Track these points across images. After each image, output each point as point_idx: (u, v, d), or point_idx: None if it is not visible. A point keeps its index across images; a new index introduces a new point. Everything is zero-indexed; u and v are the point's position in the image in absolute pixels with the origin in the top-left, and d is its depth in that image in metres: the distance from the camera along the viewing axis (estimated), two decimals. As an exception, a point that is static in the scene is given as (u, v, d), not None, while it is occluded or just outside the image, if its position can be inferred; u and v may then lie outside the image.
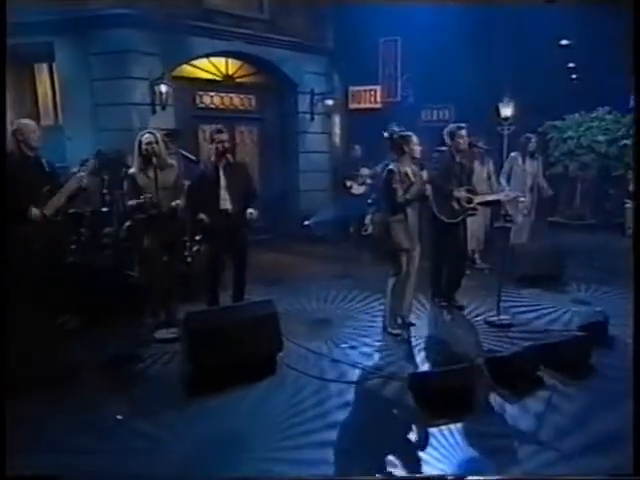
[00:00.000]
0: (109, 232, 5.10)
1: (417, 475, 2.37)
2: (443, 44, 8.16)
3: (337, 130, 9.50)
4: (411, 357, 3.73)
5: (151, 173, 3.96)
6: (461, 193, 4.26)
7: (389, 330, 4.10)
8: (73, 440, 2.68)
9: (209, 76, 7.80)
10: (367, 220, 7.29)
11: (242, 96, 8.21)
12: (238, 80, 8.16)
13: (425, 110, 10.00)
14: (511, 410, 2.94)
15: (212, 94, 7.85)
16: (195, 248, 5.41)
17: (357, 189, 7.47)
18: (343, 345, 3.93)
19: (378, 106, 9.77)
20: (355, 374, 3.45)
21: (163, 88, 6.74)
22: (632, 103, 7.71)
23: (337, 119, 9.46)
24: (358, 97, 9.90)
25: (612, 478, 2.31)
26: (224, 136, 4.18)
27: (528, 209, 6.22)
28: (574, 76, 9.47)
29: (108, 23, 6.43)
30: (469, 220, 4.66)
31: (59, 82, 6.99)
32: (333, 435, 2.73)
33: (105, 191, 5.20)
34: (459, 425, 2.77)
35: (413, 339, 4.02)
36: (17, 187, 3.55)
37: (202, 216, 4.04)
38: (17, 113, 7.12)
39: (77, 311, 4.23)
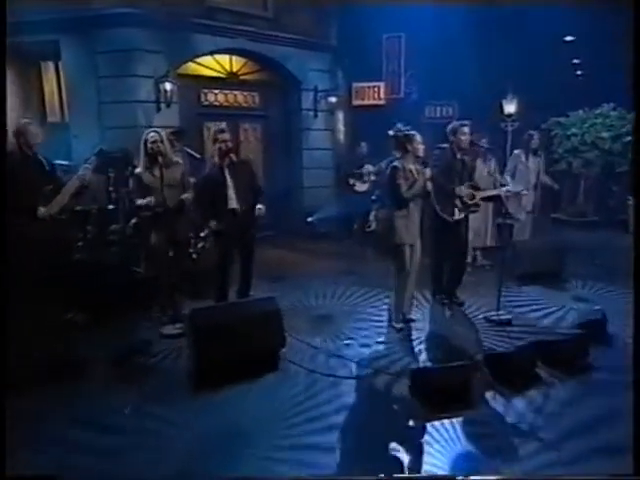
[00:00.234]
0: (115, 229, 5.17)
1: (417, 475, 2.40)
2: (447, 40, 8.16)
3: (341, 127, 9.52)
4: (411, 353, 3.78)
5: (157, 172, 4.02)
6: (463, 190, 4.30)
7: (393, 324, 4.18)
8: (77, 435, 2.74)
9: (213, 73, 7.84)
10: (371, 216, 7.35)
11: (246, 93, 8.25)
12: (242, 77, 8.20)
13: (429, 106, 10.02)
14: (508, 406, 2.99)
15: (216, 91, 7.89)
16: (200, 245, 5.48)
17: (360, 186, 7.52)
18: (345, 341, 4.00)
19: (382, 102, 9.78)
20: (356, 369, 3.51)
21: (168, 86, 6.79)
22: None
23: (341, 116, 9.48)
24: (362, 93, 9.92)
25: (612, 478, 2.32)
26: (227, 136, 4.23)
27: (531, 206, 6.24)
28: (579, 72, 9.44)
29: (113, 22, 6.49)
30: (471, 217, 4.71)
31: (65, 80, 7.05)
32: (334, 428, 2.80)
33: (111, 189, 5.28)
34: (458, 420, 2.83)
35: (414, 335, 4.08)
36: (19, 187, 3.62)
37: (213, 223, 4.11)
38: (24, 111, 7.23)
39: (84, 307, 4.31)
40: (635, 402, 2.10)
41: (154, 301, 4.48)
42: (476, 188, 4.38)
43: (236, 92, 8.12)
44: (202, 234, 5.46)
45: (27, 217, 3.74)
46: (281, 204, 8.08)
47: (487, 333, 4.08)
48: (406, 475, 2.42)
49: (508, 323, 4.19)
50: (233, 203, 4.15)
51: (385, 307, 4.57)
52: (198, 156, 5.50)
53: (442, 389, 2.98)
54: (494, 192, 4.49)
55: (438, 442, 2.67)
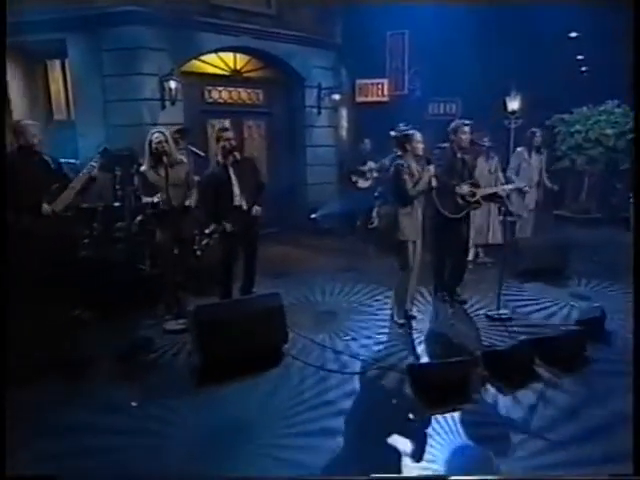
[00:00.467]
0: (121, 227, 5.25)
1: (417, 475, 2.44)
2: (450, 37, 8.15)
3: (344, 124, 9.56)
4: (412, 349, 3.84)
5: (161, 171, 4.09)
6: (464, 188, 4.35)
7: (396, 320, 4.25)
8: (77, 434, 2.77)
9: (217, 71, 7.88)
10: (374, 213, 7.39)
11: (250, 90, 8.28)
12: (246, 75, 8.23)
13: (432, 103, 10.02)
14: (506, 402, 3.05)
15: (220, 89, 7.93)
16: (205, 242, 5.56)
17: (363, 183, 7.56)
18: (347, 337, 4.06)
19: (385, 99, 9.80)
20: (357, 365, 3.58)
21: (172, 84, 6.84)
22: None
23: (344, 113, 9.51)
24: (365, 90, 9.94)
25: (612, 478, 2.33)
26: (230, 134, 4.29)
27: (534, 203, 6.27)
28: (583, 69, 9.41)
29: (118, 20, 6.54)
30: (473, 214, 4.75)
31: (71, 78, 7.12)
32: (336, 422, 2.87)
33: (117, 186, 5.34)
34: (456, 415, 2.89)
35: (414, 331, 4.14)
36: (23, 185, 3.70)
37: (226, 224, 4.18)
38: (30, 108, 7.32)
39: (90, 304, 4.38)
40: (635, 402, 2.10)
41: (159, 298, 4.56)
42: (477, 186, 4.42)
43: (240, 89, 8.16)
44: (207, 231, 5.54)
45: (33, 215, 3.82)
46: (285, 201, 8.15)
47: (487, 330, 4.13)
48: (400, 475, 2.44)
49: (508, 320, 4.24)
50: (238, 200, 4.23)
51: (387, 303, 4.62)
52: (202, 154, 5.57)
53: (441, 384, 3.05)
54: (494, 190, 4.52)
55: (437, 435, 2.73)
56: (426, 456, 2.57)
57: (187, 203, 4.17)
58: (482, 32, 8.22)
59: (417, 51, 9.53)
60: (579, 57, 9.26)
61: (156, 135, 4.15)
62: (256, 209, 4.30)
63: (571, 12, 8.00)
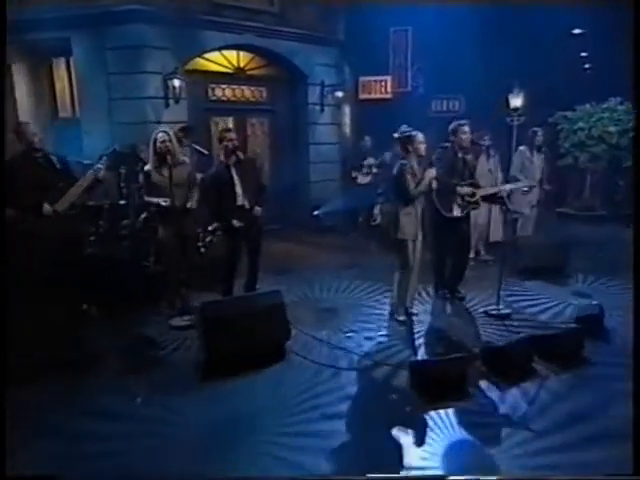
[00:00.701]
0: (126, 224, 5.32)
1: (417, 475, 2.47)
2: (454, 34, 8.16)
3: (347, 121, 9.59)
4: (412, 346, 3.90)
5: (165, 171, 4.16)
6: (464, 189, 4.38)
7: (396, 317, 4.30)
8: (78, 434, 2.79)
9: (221, 69, 7.92)
10: (376, 210, 7.44)
11: (253, 88, 8.32)
12: (249, 72, 8.27)
13: (435, 101, 10.03)
14: (503, 398, 3.10)
15: (224, 86, 7.98)
16: (208, 239, 5.63)
17: (362, 179, 7.59)
18: (348, 334, 4.12)
19: (388, 96, 9.82)
20: (358, 361, 3.64)
21: (176, 82, 6.89)
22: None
23: (347, 110, 9.54)
24: (368, 87, 9.96)
25: (612, 478, 2.35)
26: (233, 134, 4.36)
27: (535, 201, 6.29)
28: (587, 66, 9.39)
29: (122, 19, 6.58)
30: (475, 212, 4.78)
31: (76, 76, 7.18)
32: (337, 417, 2.93)
33: (122, 185, 5.41)
34: (454, 410, 2.95)
35: (415, 328, 4.19)
36: (25, 186, 3.76)
37: (234, 221, 4.25)
38: (36, 106, 7.39)
39: (97, 300, 4.47)
40: (635, 402, 2.10)
41: (163, 294, 4.62)
42: (476, 186, 4.46)
43: (243, 87, 8.21)
44: (210, 228, 5.61)
45: (38, 214, 3.87)
46: (288, 198, 8.21)
47: (486, 327, 4.18)
48: (397, 475, 2.48)
49: (508, 317, 4.29)
50: (241, 200, 4.29)
51: (388, 300, 4.67)
52: (206, 152, 5.61)
53: (440, 380, 3.11)
54: (494, 190, 4.55)
55: (436, 429, 2.79)
56: (425, 452, 2.62)
57: (189, 205, 4.24)
58: (485, 29, 8.22)
59: (420, 48, 9.54)
60: (583, 54, 9.23)
61: (160, 135, 4.21)
62: (257, 209, 4.36)
63: (574, 9, 7.98)
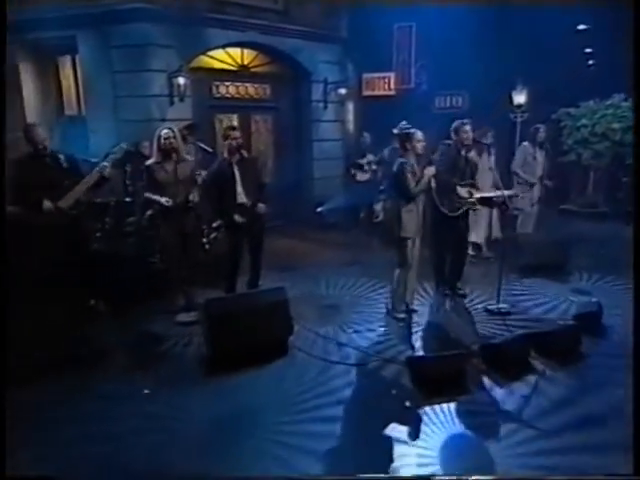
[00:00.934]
0: (132, 221, 5.40)
1: (416, 475, 2.51)
2: (457, 30, 8.15)
3: (351, 118, 9.61)
4: (412, 342, 3.97)
5: (168, 167, 4.22)
6: (463, 189, 4.42)
7: (394, 315, 4.36)
8: (79, 433, 2.82)
9: (225, 66, 7.97)
10: (378, 207, 7.48)
11: (257, 85, 8.36)
12: (253, 70, 8.31)
13: (439, 97, 10.03)
14: (502, 394, 3.17)
15: (228, 84, 8.02)
16: (213, 235, 5.70)
17: (361, 176, 7.62)
18: (350, 330, 4.19)
19: (392, 93, 9.83)
20: (359, 357, 3.72)
21: (181, 80, 6.94)
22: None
23: (351, 107, 9.56)
24: (372, 84, 9.96)
25: (612, 478, 2.38)
26: (237, 133, 4.41)
27: (536, 199, 6.32)
28: (591, 62, 9.36)
29: (127, 17, 6.64)
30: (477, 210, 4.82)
31: (82, 74, 7.25)
32: (338, 411, 3.01)
33: (128, 182, 5.49)
34: (452, 405, 3.02)
35: (415, 325, 4.26)
36: (33, 185, 3.85)
37: (236, 217, 4.30)
38: (43, 104, 7.48)
39: (103, 296, 4.54)
40: (635, 401, 2.11)
41: (167, 290, 4.70)
42: (476, 188, 4.50)
43: (247, 84, 8.25)
44: (214, 225, 5.68)
45: (43, 211, 3.95)
46: (291, 195, 8.27)
47: (486, 324, 4.24)
48: (389, 475, 2.51)
49: (507, 314, 4.34)
50: (242, 198, 4.35)
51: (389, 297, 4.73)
52: (210, 150, 5.68)
53: (439, 376, 3.17)
54: (491, 194, 4.59)
55: (433, 425, 2.86)
56: (423, 447, 2.68)
57: (191, 197, 4.27)
58: (489, 26, 8.21)
59: (424, 44, 9.52)
60: (587, 50, 9.19)
61: (165, 131, 4.26)
62: (260, 206, 4.41)
63: (578, 5, 7.96)
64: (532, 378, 3.30)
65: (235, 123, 7.83)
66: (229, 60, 8.00)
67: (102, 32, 6.81)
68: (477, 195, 4.45)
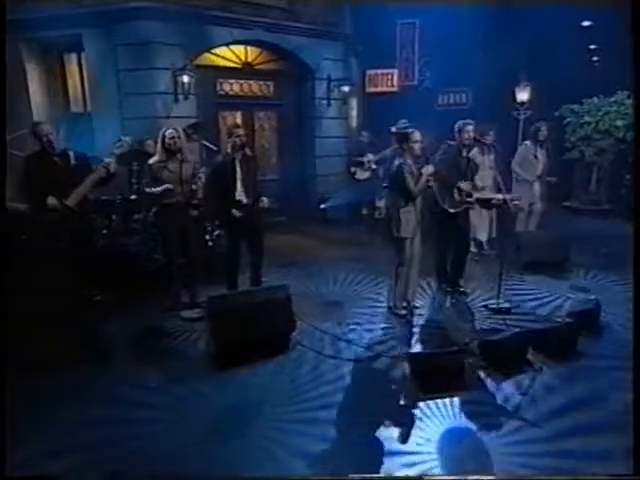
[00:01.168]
0: (137, 218, 5.48)
1: (416, 475, 2.53)
2: (461, 27, 8.15)
3: (354, 114, 9.64)
4: (413, 338, 4.04)
5: (172, 166, 4.29)
6: (463, 188, 4.47)
7: (395, 311, 4.42)
8: (79, 433, 2.84)
9: (229, 64, 8.02)
10: (381, 204, 7.52)
11: (261, 83, 8.42)
12: (257, 67, 8.36)
13: (442, 94, 10.05)
14: (500, 389, 3.22)
15: (232, 81, 8.08)
16: (216, 232, 5.77)
17: (361, 174, 7.65)
18: (351, 326, 4.26)
19: (395, 90, 9.86)
20: (360, 353, 3.78)
21: (185, 78, 7.00)
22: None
23: (354, 103, 9.59)
24: (375, 81, 9.99)
25: (612, 478, 2.38)
26: (241, 131, 4.46)
27: (537, 197, 6.34)
28: (595, 58, 9.32)
29: (132, 15, 6.70)
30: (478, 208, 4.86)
31: (87, 72, 7.33)
32: (339, 406, 3.09)
33: (134, 180, 5.56)
34: (451, 400, 3.09)
35: (416, 322, 4.32)
36: (42, 182, 3.93)
37: (235, 212, 4.36)
38: (49, 102, 7.56)
39: (109, 292, 4.62)
40: (635, 401, 2.13)
41: (171, 287, 4.77)
42: (475, 188, 4.55)
43: (251, 82, 8.30)
44: (218, 222, 5.75)
45: (52, 208, 4.03)
46: (295, 191, 8.34)
47: (485, 321, 4.29)
48: (380, 475, 2.54)
49: (507, 311, 4.40)
50: (240, 195, 4.41)
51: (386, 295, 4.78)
52: (215, 148, 5.73)
53: (438, 372, 3.24)
54: (490, 196, 4.63)
55: (431, 420, 2.93)
56: (420, 441, 2.75)
57: (194, 187, 4.32)
58: (493, 22, 8.20)
59: (427, 41, 9.54)
60: (591, 47, 9.16)
61: (170, 131, 4.32)
62: (264, 200, 4.48)
63: (582, 2, 7.93)
64: (529, 374, 3.35)
65: (239, 121, 7.89)
66: (233, 57, 8.05)
67: (108, 30, 6.88)
68: (476, 196, 4.49)
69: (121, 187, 5.47)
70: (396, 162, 4.19)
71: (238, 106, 8.23)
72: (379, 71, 9.91)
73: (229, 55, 7.98)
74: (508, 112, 8.62)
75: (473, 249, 5.79)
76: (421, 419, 2.94)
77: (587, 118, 8.79)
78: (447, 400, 3.10)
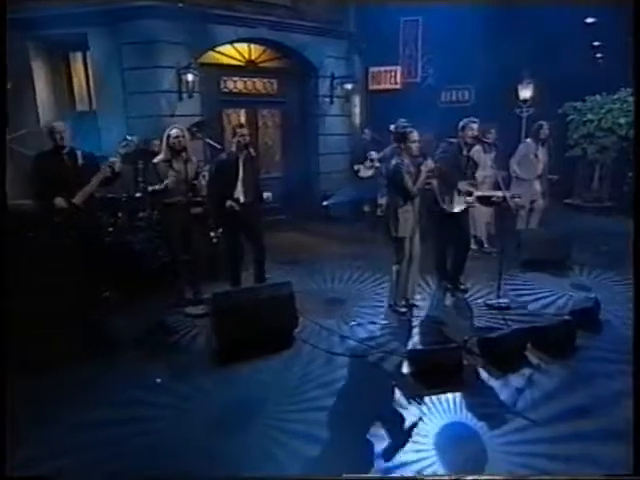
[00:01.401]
0: (143, 216, 5.56)
1: (416, 475, 2.55)
2: (464, 24, 8.16)
3: (357, 112, 9.67)
4: (413, 335, 4.10)
5: (177, 165, 4.36)
6: (463, 187, 4.51)
7: (396, 308, 4.48)
8: (79, 433, 2.85)
9: (233, 62, 8.07)
10: (384, 201, 7.55)
11: (265, 80, 8.47)
12: (261, 65, 8.40)
13: (445, 91, 10.05)
14: (499, 386, 3.28)
15: (236, 79, 8.13)
16: (220, 229, 5.84)
17: (364, 172, 7.69)
18: (353, 322, 4.33)
19: (398, 87, 9.87)
20: (361, 349, 3.85)
21: (190, 77, 7.05)
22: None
23: (357, 101, 9.62)
24: (378, 78, 9.99)
25: (612, 478, 2.38)
26: (245, 130, 4.53)
27: (538, 195, 6.38)
28: (598, 55, 9.30)
29: (137, 14, 6.75)
30: (478, 206, 4.90)
31: (93, 71, 7.39)
32: (340, 401, 3.16)
33: (139, 178, 5.64)
34: (450, 396, 3.16)
35: (415, 319, 4.38)
36: (51, 181, 4.02)
37: (229, 203, 4.42)
38: (55, 100, 7.63)
39: (115, 289, 4.70)
40: (635, 402, 2.13)
41: (175, 283, 4.85)
42: (475, 187, 4.59)
43: (255, 79, 8.35)
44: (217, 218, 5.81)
45: (61, 208, 4.11)
46: (298, 188, 8.40)
47: (485, 318, 4.34)
48: (374, 475, 2.56)
49: (507, 309, 4.45)
50: (238, 193, 4.47)
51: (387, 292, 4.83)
52: (219, 146, 5.81)
53: (437, 369, 3.31)
54: (490, 194, 4.66)
55: (431, 415, 3.00)
56: (420, 439, 2.81)
57: (195, 182, 4.38)
58: (496, 19, 8.20)
59: (430, 38, 9.53)
60: (595, 44, 9.13)
61: (174, 131, 4.39)
62: (266, 195, 4.53)
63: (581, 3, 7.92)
64: (527, 371, 3.41)
65: (243, 120, 7.95)
66: (237, 55, 8.10)
67: (113, 29, 6.94)
68: (476, 194, 4.54)
69: (127, 185, 5.55)
70: (393, 161, 4.23)
71: (242, 104, 8.29)
72: (382, 68, 9.91)
73: (233, 53, 8.03)
74: (511, 109, 8.64)
75: (473, 246, 5.83)
76: (420, 418, 2.99)
77: (590, 116, 8.79)
78: (444, 397, 3.15)
